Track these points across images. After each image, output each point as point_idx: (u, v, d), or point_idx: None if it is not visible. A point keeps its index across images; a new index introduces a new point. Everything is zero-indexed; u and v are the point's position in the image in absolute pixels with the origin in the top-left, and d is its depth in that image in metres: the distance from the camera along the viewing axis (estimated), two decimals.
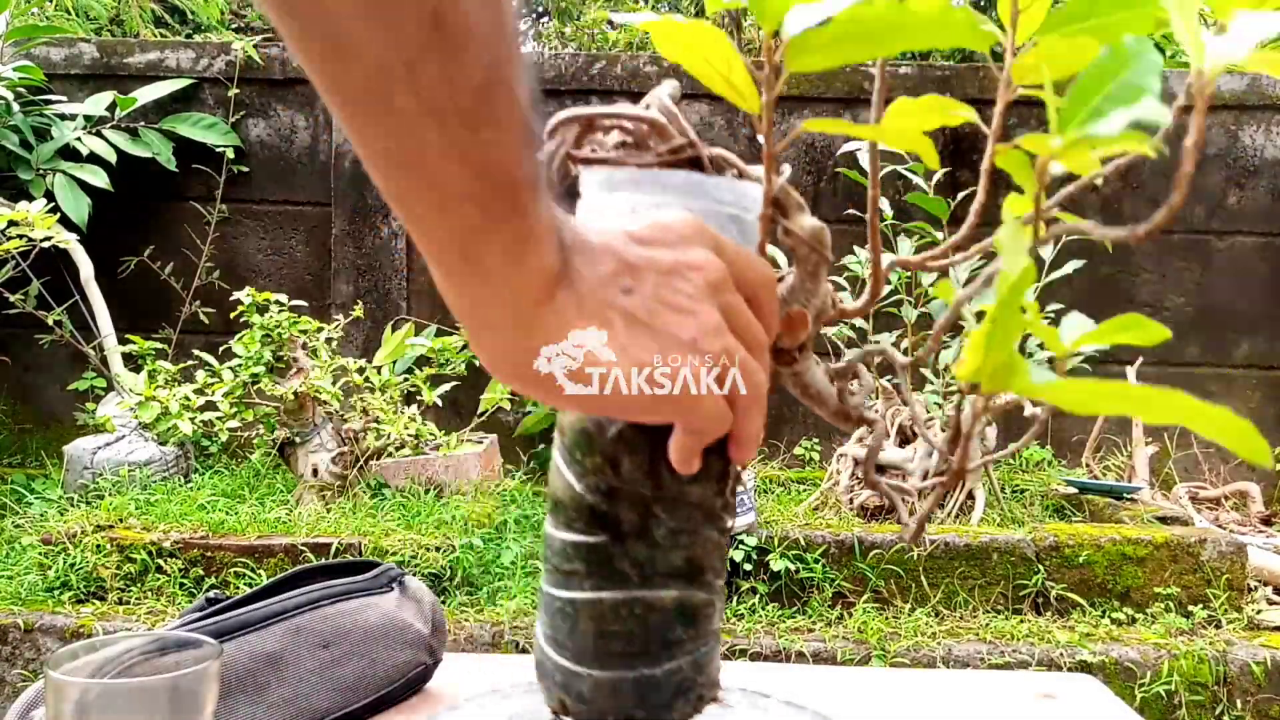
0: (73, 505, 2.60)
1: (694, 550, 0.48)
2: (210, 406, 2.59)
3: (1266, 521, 3.04)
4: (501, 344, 0.41)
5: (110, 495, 2.56)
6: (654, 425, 0.45)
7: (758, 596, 2.31)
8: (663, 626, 0.48)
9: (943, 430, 2.57)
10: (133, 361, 2.93)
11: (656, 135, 0.49)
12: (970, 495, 2.60)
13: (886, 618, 2.27)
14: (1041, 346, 2.60)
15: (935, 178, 2.67)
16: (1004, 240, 0.42)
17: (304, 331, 2.65)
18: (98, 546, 2.24)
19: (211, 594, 0.71)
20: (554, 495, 0.50)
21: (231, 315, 2.68)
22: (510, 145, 0.37)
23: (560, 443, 0.49)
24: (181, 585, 2.22)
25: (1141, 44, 0.41)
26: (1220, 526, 2.80)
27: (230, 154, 3.34)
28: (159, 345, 2.89)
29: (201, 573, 2.24)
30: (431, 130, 0.36)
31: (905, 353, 2.78)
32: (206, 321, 3.32)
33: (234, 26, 4.95)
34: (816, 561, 2.32)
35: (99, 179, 3.11)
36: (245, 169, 3.41)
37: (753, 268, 0.45)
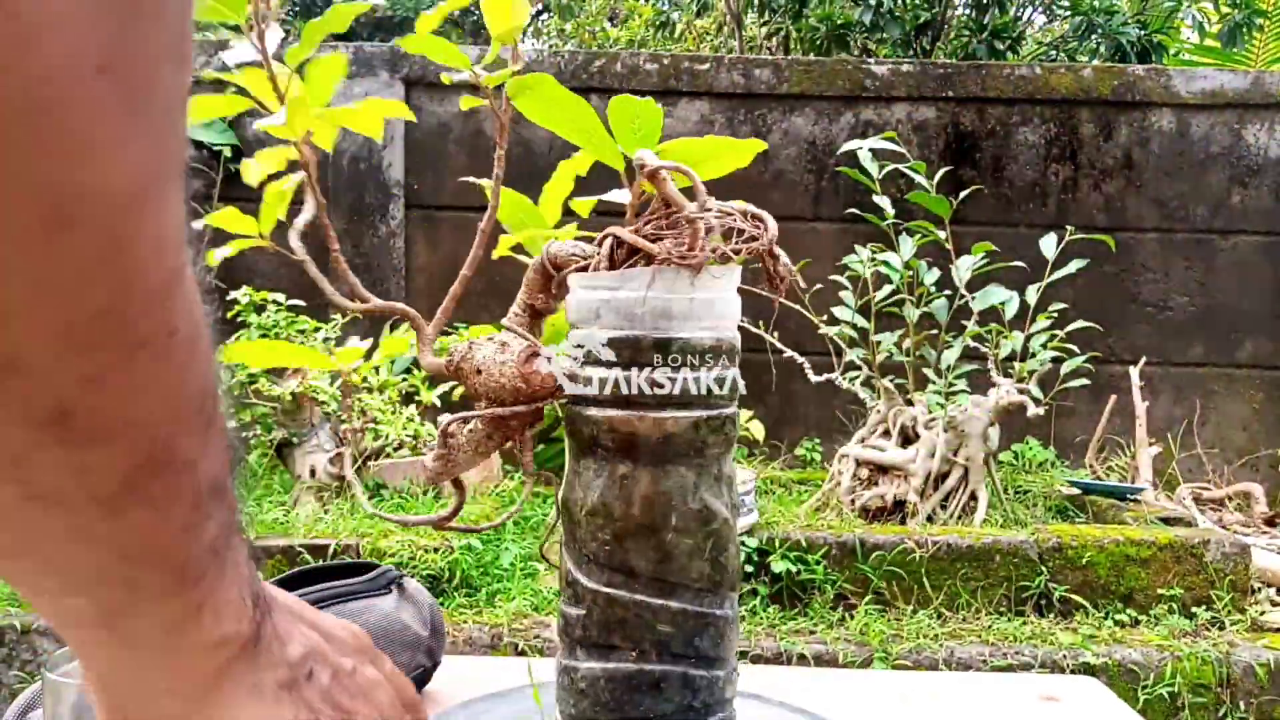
0: None
1: None
2: None
3: (1270, 522, 3.02)
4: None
5: None
6: None
7: (758, 598, 2.30)
8: None
9: (945, 430, 2.56)
10: None
11: None
12: (973, 496, 2.59)
13: (888, 620, 2.26)
14: (1044, 346, 2.59)
15: (937, 176, 2.65)
16: None
17: (301, 331, 2.64)
18: None
19: None
20: None
21: (229, 315, 2.67)
22: (174, 523, 0.31)
23: None
24: None
25: None
26: (1224, 527, 2.79)
27: (228, 152, 3.33)
28: None
29: None
30: (51, 518, 0.28)
31: (906, 353, 2.76)
32: None
33: (231, 24, 4.94)
34: (818, 563, 2.31)
35: None
36: None
37: (404, 689, 0.48)
